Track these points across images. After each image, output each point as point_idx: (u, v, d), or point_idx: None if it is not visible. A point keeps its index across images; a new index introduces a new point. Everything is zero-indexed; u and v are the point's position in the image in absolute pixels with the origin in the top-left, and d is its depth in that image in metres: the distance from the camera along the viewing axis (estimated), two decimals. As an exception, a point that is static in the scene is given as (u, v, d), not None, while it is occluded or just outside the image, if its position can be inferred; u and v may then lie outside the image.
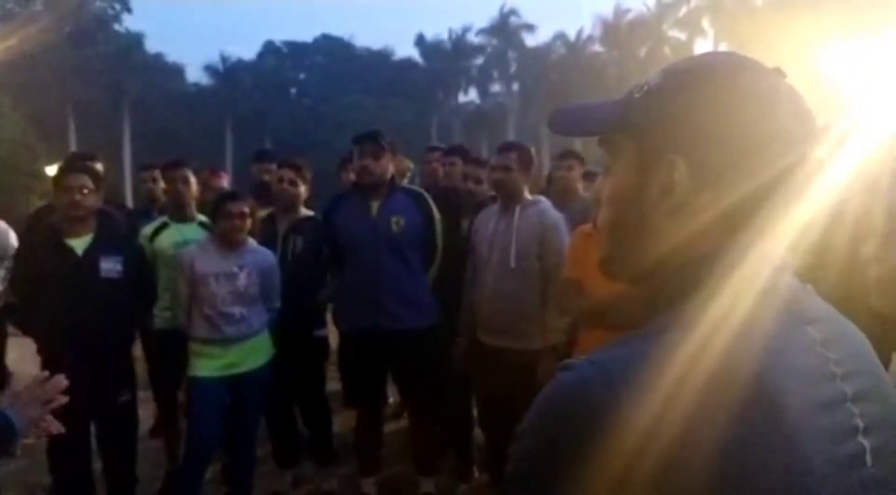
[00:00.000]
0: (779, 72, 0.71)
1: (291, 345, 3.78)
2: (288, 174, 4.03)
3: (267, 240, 3.86)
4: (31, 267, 3.24)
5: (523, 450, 0.67)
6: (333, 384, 4.41)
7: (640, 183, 0.73)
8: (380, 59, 52.95)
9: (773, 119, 0.68)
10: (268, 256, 3.66)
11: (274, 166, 5.00)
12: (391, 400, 5.04)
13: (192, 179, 4.05)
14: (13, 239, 4.46)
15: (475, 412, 4.09)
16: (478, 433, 4.13)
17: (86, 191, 3.23)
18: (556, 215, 3.44)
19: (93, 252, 3.24)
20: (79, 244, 3.22)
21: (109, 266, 3.24)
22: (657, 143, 0.71)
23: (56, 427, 1.74)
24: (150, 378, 4.15)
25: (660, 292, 0.72)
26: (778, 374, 0.62)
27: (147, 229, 3.95)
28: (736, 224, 0.69)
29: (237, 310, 3.49)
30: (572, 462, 0.60)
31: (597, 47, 43.38)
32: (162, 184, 4.38)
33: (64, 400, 1.73)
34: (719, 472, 0.57)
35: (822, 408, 0.63)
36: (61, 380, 1.74)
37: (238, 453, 3.73)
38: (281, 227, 3.98)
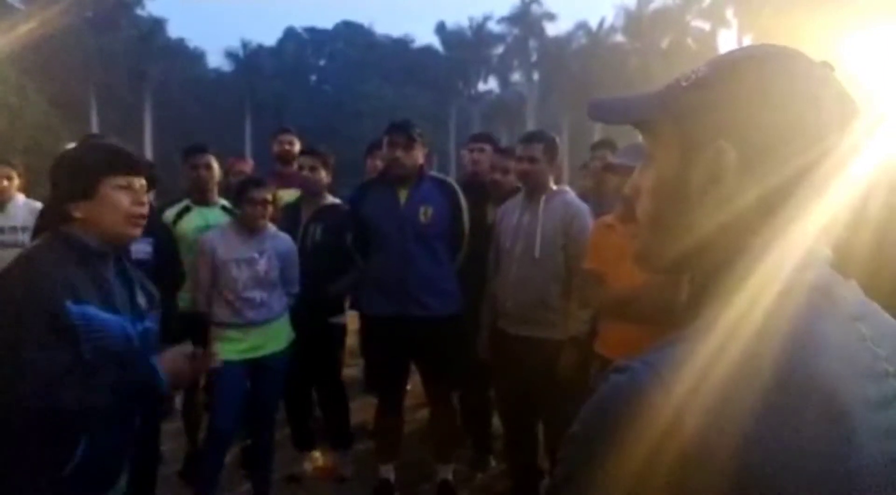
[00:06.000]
0: (827, 64, 0.71)
1: (307, 331, 3.80)
2: (308, 161, 4.05)
3: (291, 226, 3.88)
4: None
5: (576, 453, 0.66)
6: (349, 370, 4.43)
7: (685, 172, 0.71)
8: (400, 47, 53.03)
9: (819, 105, 0.67)
10: (287, 242, 3.68)
11: (292, 137, 5.02)
12: (408, 387, 5.06)
13: (215, 164, 4.08)
14: None
15: (493, 401, 4.10)
16: (495, 422, 4.14)
17: None
18: (580, 205, 3.42)
19: None
20: None
21: (140, 248, 3.26)
22: (703, 130, 0.70)
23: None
24: None
25: (703, 284, 0.71)
26: (833, 372, 0.61)
27: (170, 213, 3.98)
28: (776, 210, 0.67)
29: (258, 295, 3.51)
30: (626, 460, 0.59)
31: (619, 37, 43.01)
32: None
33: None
34: (776, 470, 0.57)
35: (878, 406, 0.62)
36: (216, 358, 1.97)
37: (257, 436, 3.76)
38: (304, 215, 4.00)
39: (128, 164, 1.86)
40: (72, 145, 2.03)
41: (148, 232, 3.30)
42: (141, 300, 1.93)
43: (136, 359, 1.83)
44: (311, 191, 4.04)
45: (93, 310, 1.72)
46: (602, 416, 0.64)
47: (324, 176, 4.05)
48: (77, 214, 1.78)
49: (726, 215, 0.69)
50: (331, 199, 4.08)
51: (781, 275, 0.65)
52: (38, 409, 1.63)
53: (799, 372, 0.60)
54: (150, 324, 1.94)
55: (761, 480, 0.57)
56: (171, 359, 1.86)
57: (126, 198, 1.83)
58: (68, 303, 1.66)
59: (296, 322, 3.75)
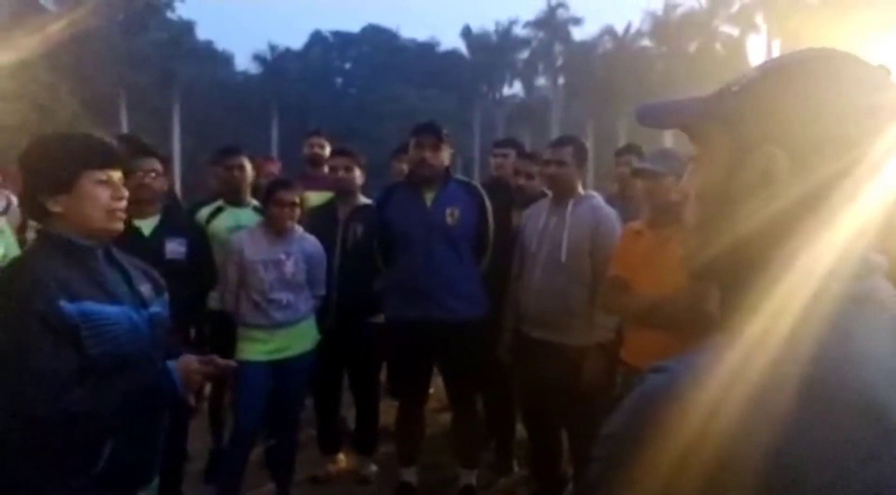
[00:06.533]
0: (884, 68, 0.70)
1: (347, 329, 3.82)
2: (342, 161, 4.07)
3: (327, 227, 3.91)
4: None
5: (610, 452, 0.66)
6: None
7: (734, 176, 0.71)
8: (425, 51, 53.17)
9: (871, 114, 0.66)
10: (315, 244, 3.70)
11: (322, 140, 5.05)
12: (431, 390, 5.05)
13: (248, 165, 4.12)
14: None
15: (517, 406, 4.09)
16: (519, 427, 4.13)
17: (153, 174, 3.29)
18: (609, 210, 3.41)
19: (159, 233, 3.29)
20: (145, 225, 3.27)
21: (174, 247, 3.29)
22: (754, 135, 0.69)
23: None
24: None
25: (744, 289, 0.70)
26: (869, 379, 0.60)
27: (202, 213, 4.02)
28: (823, 218, 0.66)
29: (284, 297, 3.53)
30: (663, 462, 0.59)
31: (645, 42, 42.74)
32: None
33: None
34: (807, 474, 0.56)
35: None
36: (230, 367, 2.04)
37: (281, 437, 3.78)
38: (342, 214, 4.01)
39: (106, 158, 1.80)
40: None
41: (182, 232, 3.38)
42: (143, 288, 1.90)
43: (146, 354, 1.82)
44: (345, 191, 4.06)
45: (90, 305, 1.69)
46: (638, 415, 0.64)
47: (358, 175, 4.07)
48: (55, 209, 1.73)
49: (773, 220, 0.68)
50: (364, 199, 4.10)
51: (820, 282, 0.64)
52: (47, 418, 1.62)
53: (831, 378, 0.59)
54: (158, 308, 1.92)
55: (792, 484, 0.56)
56: (184, 362, 1.87)
57: (105, 192, 1.77)
58: (63, 304, 1.64)
59: (337, 320, 3.78)
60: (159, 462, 1.97)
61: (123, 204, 1.83)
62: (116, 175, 1.81)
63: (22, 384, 1.61)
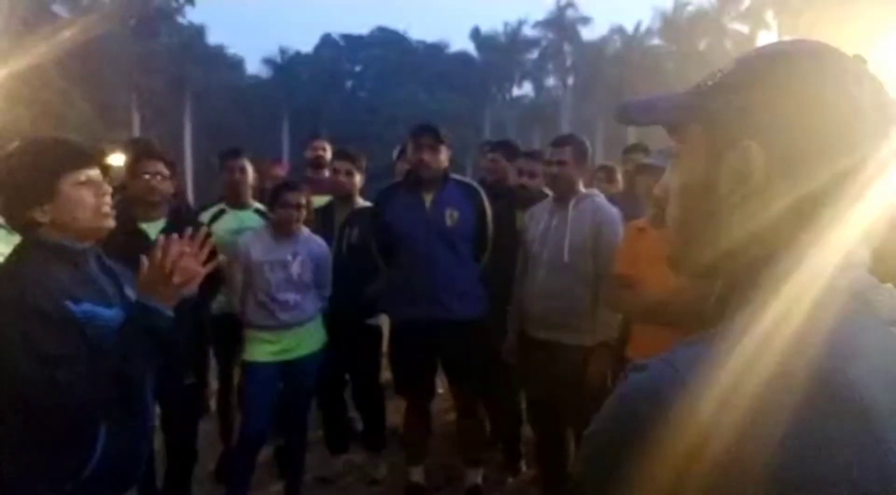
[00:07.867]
0: (859, 58, 0.69)
1: (344, 333, 3.83)
2: (343, 165, 4.09)
3: (324, 229, 3.91)
4: (102, 250, 3.32)
5: (594, 450, 0.66)
6: (384, 373, 4.44)
7: (712, 172, 0.70)
8: (435, 53, 53.18)
9: (853, 104, 0.65)
10: (321, 245, 3.72)
11: (324, 143, 5.07)
12: (440, 390, 5.05)
13: (250, 168, 4.13)
14: None
15: (524, 406, 4.09)
16: (526, 427, 4.13)
17: (159, 177, 3.31)
18: (611, 210, 3.39)
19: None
20: (151, 228, 3.28)
21: None
22: (730, 130, 0.68)
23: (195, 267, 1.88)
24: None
25: (732, 287, 0.70)
26: (868, 380, 0.59)
27: (204, 216, 4.03)
28: (810, 213, 0.65)
29: (291, 297, 3.55)
30: (644, 460, 0.59)
31: (655, 41, 42.59)
32: None
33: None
34: (808, 478, 0.56)
35: None
36: (186, 236, 1.88)
37: (290, 437, 3.80)
38: (339, 218, 4.03)
39: (79, 159, 1.79)
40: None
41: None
42: (129, 292, 1.89)
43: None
44: (344, 195, 4.08)
45: (90, 307, 1.70)
46: (621, 415, 0.64)
47: (358, 179, 4.09)
48: (44, 219, 1.72)
49: (755, 218, 0.67)
50: (362, 203, 4.11)
51: (816, 280, 0.64)
52: (59, 400, 1.61)
53: (833, 381, 0.58)
54: None
55: (795, 482, 0.56)
56: (142, 280, 1.78)
57: (88, 192, 1.76)
58: (68, 302, 1.65)
59: (333, 324, 3.78)
60: (143, 468, 1.95)
61: (109, 200, 1.83)
62: (94, 173, 1.80)
63: (25, 371, 1.60)
